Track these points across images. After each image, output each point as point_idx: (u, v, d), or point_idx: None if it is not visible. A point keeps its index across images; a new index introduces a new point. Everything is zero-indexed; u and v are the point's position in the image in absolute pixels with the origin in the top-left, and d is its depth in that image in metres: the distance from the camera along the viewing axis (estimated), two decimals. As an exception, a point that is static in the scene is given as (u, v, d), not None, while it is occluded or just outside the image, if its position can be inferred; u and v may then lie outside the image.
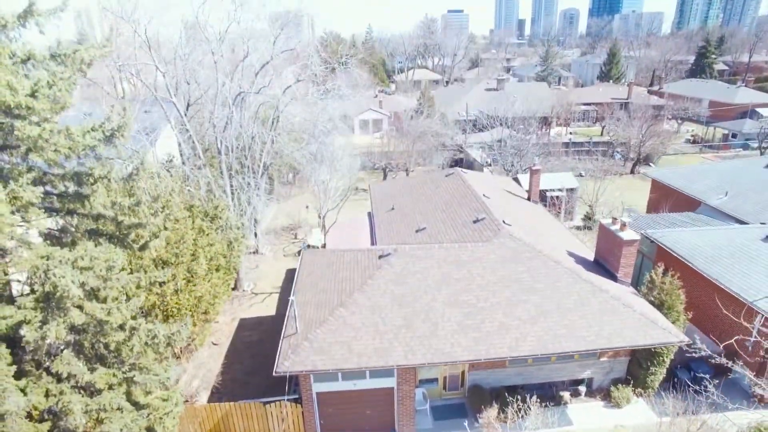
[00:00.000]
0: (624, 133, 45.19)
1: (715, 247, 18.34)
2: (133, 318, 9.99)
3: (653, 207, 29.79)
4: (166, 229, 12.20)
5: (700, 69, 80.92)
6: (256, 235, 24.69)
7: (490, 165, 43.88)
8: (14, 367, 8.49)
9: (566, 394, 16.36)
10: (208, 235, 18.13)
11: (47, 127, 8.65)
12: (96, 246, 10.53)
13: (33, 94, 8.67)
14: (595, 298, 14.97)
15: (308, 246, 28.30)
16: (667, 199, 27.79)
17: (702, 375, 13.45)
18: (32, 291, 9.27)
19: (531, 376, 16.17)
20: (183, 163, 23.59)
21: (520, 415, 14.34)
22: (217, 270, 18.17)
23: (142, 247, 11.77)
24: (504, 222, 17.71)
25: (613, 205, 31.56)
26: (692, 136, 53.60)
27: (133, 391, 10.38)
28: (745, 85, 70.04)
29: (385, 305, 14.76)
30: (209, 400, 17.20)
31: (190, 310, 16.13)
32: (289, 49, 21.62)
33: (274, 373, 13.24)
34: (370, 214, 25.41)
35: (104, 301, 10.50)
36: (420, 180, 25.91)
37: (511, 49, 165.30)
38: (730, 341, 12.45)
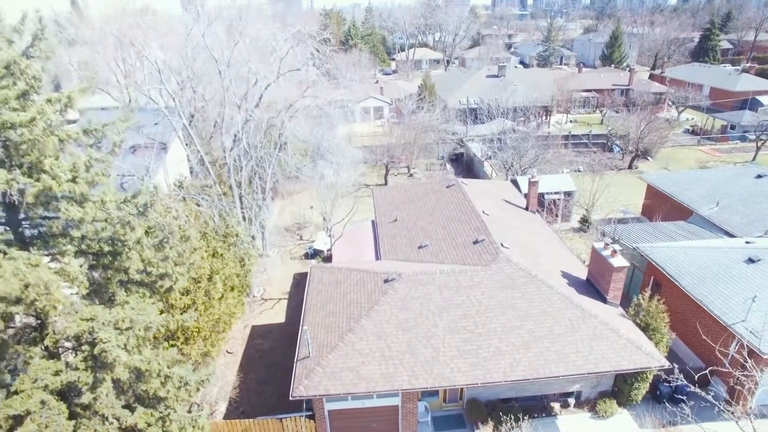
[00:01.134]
0: (623, 125, 45.57)
1: (701, 267, 19.43)
2: (168, 367, 11.16)
3: (648, 211, 30.77)
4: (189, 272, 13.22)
5: (703, 51, 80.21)
6: (265, 249, 25.73)
7: (490, 158, 44.63)
8: (74, 422, 9.70)
9: (556, 406, 17.81)
10: (222, 255, 19.19)
11: (88, 210, 9.57)
12: (128, 294, 11.68)
13: (74, 179, 9.57)
14: (584, 323, 16.17)
15: (315, 251, 29.40)
16: (661, 204, 28.72)
17: (679, 396, 14.76)
18: (80, 348, 10.39)
19: (523, 389, 17.52)
20: (193, 172, 24.45)
21: (513, 431, 15.77)
22: (232, 290, 19.32)
23: (168, 290, 12.87)
24: (502, 245, 18.73)
25: (611, 207, 32.51)
26: (691, 126, 53.96)
27: (168, 427, 11.66)
28: (749, 70, 69.66)
29: (390, 331, 15.97)
30: (227, 411, 18.66)
31: (209, 332, 17.35)
32: (295, 69, 22.15)
33: (290, 398, 14.57)
34: (373, 223, 26.40)
35: (138, 344, 11.69)
36: (422, 190, 26.77)
37: (514, 24, 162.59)
38: (704, 372, 13.69)
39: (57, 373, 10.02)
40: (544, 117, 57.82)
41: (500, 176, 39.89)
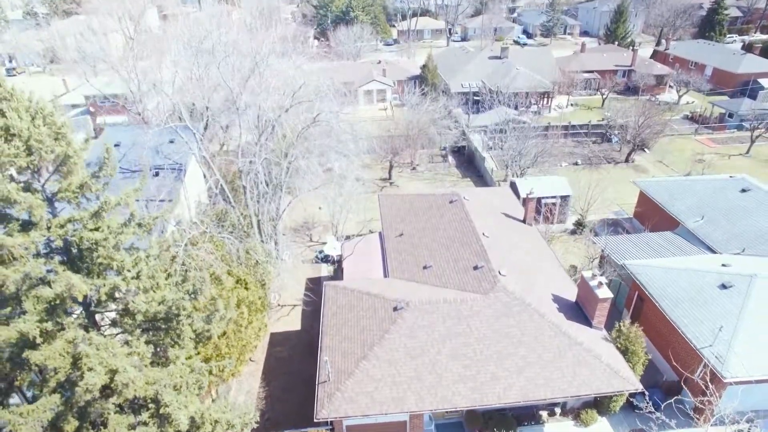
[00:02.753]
0: (623, 114, 46.28)
1: (679, 289, 21.42)
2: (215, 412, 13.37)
3: (640, 216, 32.48)
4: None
5: (710, 25, 79.02)
6: (279, 255, 27.68)
7: (491, 149, 45.83)
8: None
9: (544, 414, 20.34)
10: (245, 281, 21.16)
11: (150, 301, 11.43)
12: (176, 348, 13.73)
13: (137, 276, 11.37)
14: (570, 350, 18.34)
15: (325, 256, 31.37)
16: (652, 211, 30.38)
17: (647, 411, 17.11)
18: (146, 406, 12.52)
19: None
20: (210, 192, 26.08)
21: (506, 441, 18.31)
22: (256, 312, 21.41)
23: (208, 338, 14.96)
24: (499, 272, 20.66)
25: (606, 209, 34.22)
26: (691, 112, 54.55)
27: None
28: (752, 48, 69.10)
29: (399, 358, 18.18)
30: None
31: (238, 354, 19.61)
32: (307, 100, 23.28)
33: (314, 420, 16.96)
34: (380, 235, 28.19)
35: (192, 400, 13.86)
36: (426, 203, 28.35)
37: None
38: (670, 401, 15.96)
39: (131, 427, 12.22)
40: (545, 101, 58.34)
41: (500, 172, 41.29)
